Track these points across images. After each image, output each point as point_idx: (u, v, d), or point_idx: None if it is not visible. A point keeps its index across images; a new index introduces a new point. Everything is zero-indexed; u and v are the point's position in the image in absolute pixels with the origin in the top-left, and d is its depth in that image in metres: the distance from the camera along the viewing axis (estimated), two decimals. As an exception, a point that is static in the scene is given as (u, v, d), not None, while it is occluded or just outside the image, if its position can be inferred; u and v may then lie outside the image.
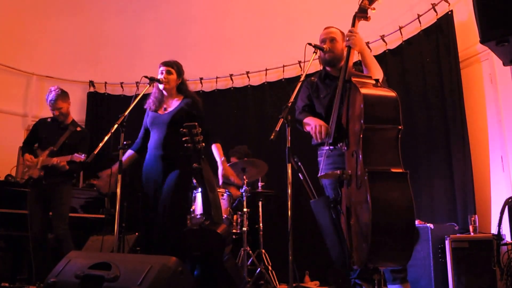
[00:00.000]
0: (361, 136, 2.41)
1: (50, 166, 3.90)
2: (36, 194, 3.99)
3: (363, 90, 2.50)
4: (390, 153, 2.44)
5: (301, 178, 2.89)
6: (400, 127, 2.46)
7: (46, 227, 3.94)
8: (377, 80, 2.63)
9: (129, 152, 3.51)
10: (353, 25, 2.84)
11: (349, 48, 2.80)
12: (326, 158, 2.86)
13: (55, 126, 4.17)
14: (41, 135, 4.17)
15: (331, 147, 2.73)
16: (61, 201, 3.96)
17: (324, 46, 3.04)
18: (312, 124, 2.87)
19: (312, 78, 3.23)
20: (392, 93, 2.55)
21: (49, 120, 4.25)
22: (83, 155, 3.75)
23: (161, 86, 3.40)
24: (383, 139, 2.46)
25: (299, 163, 2.88)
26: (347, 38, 2.82)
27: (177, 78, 3.42)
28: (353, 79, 2.62)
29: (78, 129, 4.21)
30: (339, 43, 3.08)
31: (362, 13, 2.81)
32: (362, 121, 2.42)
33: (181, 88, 3.45)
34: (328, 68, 3.14)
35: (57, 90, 4.11)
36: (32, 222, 3.93)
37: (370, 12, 2.82)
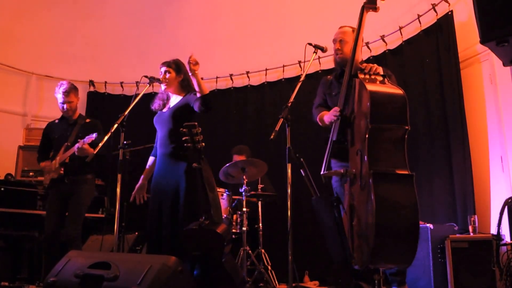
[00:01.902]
0: (367, 136, 2.38)
1: (69, 161, 3.84)
2: (57, 195, 3.92)
3: (370, 87, 2.45)
4: (396, 154, 2.41)
5: (303, 174, 2.88)
6: (407, 127, 2.41)
7: (60, 228, 3.85)
8: (384, 76, 2.59)
9: (151, 159, 3.49)
10: (361, 16, 2.78)
11: (358, 33, 2.76)
12: (334, 157, 2.85)
13: (64, 124, 4.10)
14: (52, 137, 4.09)
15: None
16: (80, 201, 3.89)
17: (325, 46, 3.04)
18: (328, 114, 2.89)
19: (329, 76, 3.23)
20: (399, 91, 2.49)
21: (56, 121, 4.18)
22: (94, 134, 3.64)
23: (162, 87, 3.41)
24: (390, 140, 2.42)
25: (301, 159, 2.87)
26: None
27: (176, 76, 3.40)
28: (360, 75, 2.59)
29: (88, 120, 4.14)
30: (349, 43, 3.01)
31: (371, 4, 2.73)
32: (368, 120, 2.38)
33: (184, 85, 3.44)
34: (344, 68, 3.13)
35: (70, 83, 4.04)
36: (48, 222, 3.88)
37: (379, 3, 2.74)
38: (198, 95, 3.11)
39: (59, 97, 4.01)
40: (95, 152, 3.25)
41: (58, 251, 3.80)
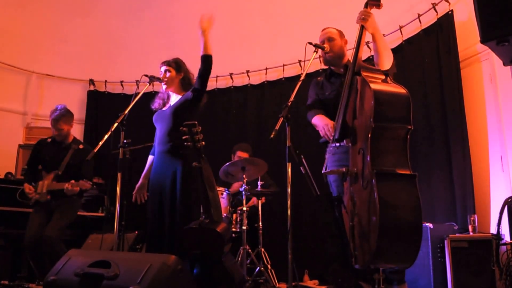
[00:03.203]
0: (370, 135, 2.36)
1: (57, 190, 3.84)
2: (43, 207, 3.93)
3: (374, 86, 2.43)
4: (398, 153, 2.40)
5: (303, 172, 2.89)
6: (410, 127, 2.40)
7: (40, 236, 3.81)
8: (386, 75, 2.58)
9: (150, 158, 3.51)
10: None
11: (362, 27, 2.71)
12: (332, 156, 2.85)
13: (56, 146, 4.09)
14: (43, 157, 4.08)
15: (337, 143, 2.72)
16: (65, 212, 3.91)
17: (325, 45, 3.04)
18: (320, 125, 2.88)
19: (319, 78, 3.24)
20: (403, 90, 2.48)
21: (49, 140, 4.16)
22: (88, 184, 3.71)
23: (163, 86, 3.42)
24: (392, 139, 2.40)
25: (302, 156, 2.88)
26: (362, 17, 2.69)
27: (176, 75, 3.41)
28: (363, 72, 2.58)
29: (81, 146, 4.12)
30: (337, 40, 3.07)
31: (374, 1, 2.72)
32: (371, 120, 2.36)
33: (184, 84, 3.44)
34: (332, 67, 3.13)
35: (62, 110, 4.00)
36: (30, 226, 3.86)
37: (382, 0, 2.73)
38: (202, 53, 3.10)
39: (50, 122, 4.00)
40: (95, 151, 3.25)
41: (42, 255, 3.77)
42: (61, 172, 3.94)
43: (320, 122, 2.90)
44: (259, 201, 4.56)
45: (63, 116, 4.00)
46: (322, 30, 3.14)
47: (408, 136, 2.43)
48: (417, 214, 2.29)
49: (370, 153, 2.35)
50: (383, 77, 2.57)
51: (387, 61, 2.73)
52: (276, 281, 4.33)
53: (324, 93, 3.10)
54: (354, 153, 2.57)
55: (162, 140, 3.29)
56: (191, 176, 3.12)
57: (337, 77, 3.06)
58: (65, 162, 3.96)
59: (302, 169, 2.87)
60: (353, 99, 2.63)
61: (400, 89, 2.50)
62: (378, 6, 2.74)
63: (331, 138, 2.75)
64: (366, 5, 2.76)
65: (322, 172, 2.76)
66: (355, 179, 2.51)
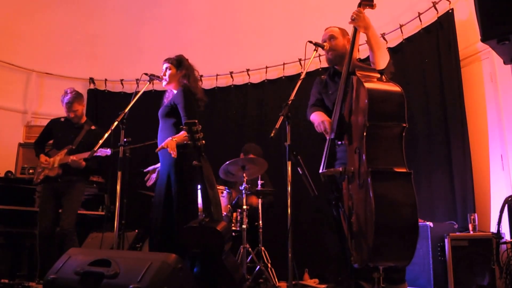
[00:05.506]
0: (365, 134, 2.37)
1: (67, 166, 3.93)
2: (50, 190, 4.01)
3: (368, 85, 2.43)
4: (394, 151, 2.40)
5: (300, 172, 2.89)
6: (404, 125, 2.40)
7: (55, 223, 3.94)
8: (381, 73, 2.58)
9: None
10: None
11: (355, 29, 2.70)
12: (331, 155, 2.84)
13: (69, 125, 4.20)
14: (56, 135, 4.19)
15: (338, 142, 2.72)
16: (73, 197, 3.98)
17: (325, 44, 3.03)
18: (316, 122, 2.87)
19: (323, 76, 3.23)
20: (397, 88, 2.48)
21: (62, 120, 4.27)
22: (108, 150, 3.73)
23: (163, 83, 3.44)
24: (387, 137, 2.41)
25: (298, 157, 2.88)
26: (353, 18, 2.67)
27: (177, 72, 3.42)
28: (357, 72, 2.57)
29: (93, 127, 4.23)
30: (339, 39, 3.04)
31: (367, 1, 2.70)
32: (366, 118, 2.37)
33: (181, 80, 3.45)
34: (336, 66, 3.12)
35: (73, 92, 4.12)
36: (42, 217, 3.94)
37: (375, 0, 2.73)
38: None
39: (64, 106, 4.12)
40: (95, 149, 3.28)
41: (54, 247, 3.85)
42: (74, 147, 4.04)
43: (316, 118, 2.90)
44: (259, 199, 4.56)
45: (75, 98, 4.13)
46: (325, 29, 3.13)
47: (404, 134, 2.43)
48: (413, 212, 2.29)
49: (365, 152, 2.36)
50: (378, 75, 2.57)
51: (381, 60, 2.71)
52: (276, 279, 4.33)
53: (328, 91, 3.09)
54: (350, 152, 2.58)
55: (158, 139, 3.35)
56: (185, 177, 3.16)
57: (340, 76, 3.05)
58: (79, 139, 4.09)
59: (299, 170, 2.87)
60: (349, 99, 2.63)
61: (394, 87, 2.50)
62: (372, 6, 2.72)
63: (328, 134, 2.75)
64: (359, 5, 2.75)
65: (320, 172, 2.76)
66: (352, 178, 2.52)
